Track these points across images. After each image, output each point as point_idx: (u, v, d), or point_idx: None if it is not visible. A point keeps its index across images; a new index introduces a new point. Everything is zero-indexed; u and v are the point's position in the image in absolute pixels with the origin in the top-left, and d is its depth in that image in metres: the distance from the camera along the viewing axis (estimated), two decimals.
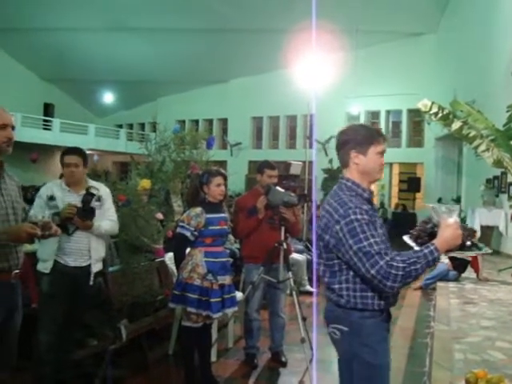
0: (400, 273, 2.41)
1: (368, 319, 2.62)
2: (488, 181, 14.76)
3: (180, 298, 4.35)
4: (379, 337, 2.67)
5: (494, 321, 6.69)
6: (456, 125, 10.65)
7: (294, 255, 8.72)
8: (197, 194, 4.45)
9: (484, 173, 14.31)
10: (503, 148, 10.37)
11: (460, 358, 5.25)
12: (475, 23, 16.50)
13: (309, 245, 10.21)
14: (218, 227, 4.43)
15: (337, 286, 2.62)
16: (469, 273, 9.57)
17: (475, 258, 9.11)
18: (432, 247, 2.49)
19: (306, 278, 9.12)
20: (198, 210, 4.34)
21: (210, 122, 28.45)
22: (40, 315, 4.13)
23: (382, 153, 2.71)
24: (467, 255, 8.39)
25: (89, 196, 4.05)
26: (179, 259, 4.43)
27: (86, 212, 4.01)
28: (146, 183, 5.28)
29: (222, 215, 4.51)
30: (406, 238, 3.14)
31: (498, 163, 10.64)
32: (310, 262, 9.44)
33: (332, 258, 2.62)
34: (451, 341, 5.81)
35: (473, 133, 10.59)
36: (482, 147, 10.52)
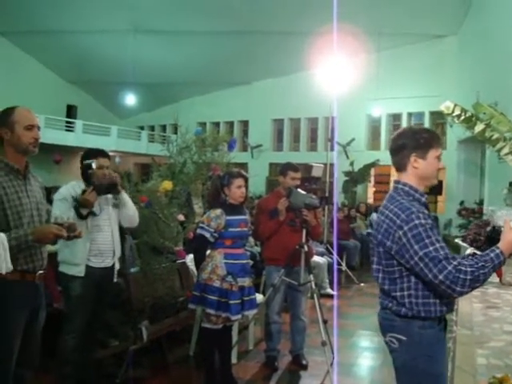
0: (468, 277, 2.36)
1: (428, 329, 2.57)
2: (511, 184, 14.57)
3: (200, 299, 4.36)
4: (439, 346, 2.63)
5: None
6: (479, 127, 10.54)
7: (315, 258, 8.70)
8: (217, 196, 4.46)
9: (507, 176, 14.11)
10: None
11: (483, 363, 5.18)
12: (497, 25, 16.32)
13: (330, 247, 10.19)
14: (238, 229, 4.43)
15: (398, 294, 2.57)
16: (492, 277, 9.42)
17: None
18: (498, 251, 2.44)
19: (327, 280, 9.09)
20: (218, 211, 4.35)
21: (231, 124, 28.46)
22: (70, 317, 4.14)
23: (439, 157, 2.66)
24: None
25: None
26: (199, 260, 4.44)
27: (104, 186, 4.03)
28: (167, 185, 5.29)
29: (243, 217, 4.51)
30: (460, 242, 3.09)
31: None
32: (330, 265, 9.43)
33: (392, 264, 2.57)
34: (474, 345, 5.74)
35: (496, 135, 10.48)
36: (506, 150, 10.40)
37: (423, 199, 2.63)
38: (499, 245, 2.47)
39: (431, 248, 2.40)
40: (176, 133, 6.92)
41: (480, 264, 2.39)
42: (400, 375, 2.69)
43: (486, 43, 17.69)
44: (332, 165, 11.90)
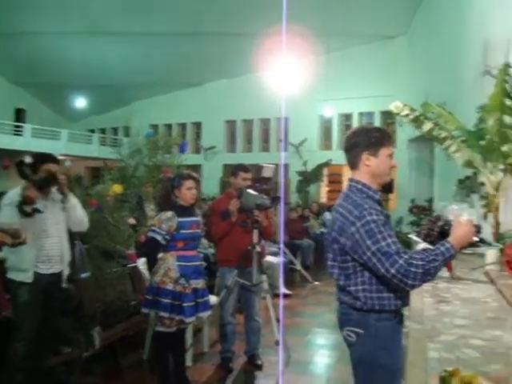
0: (420, 270, 2.41)
1: (384, 321, 2.63)
2: (460, 181, 14.89)
3: (153, 303, 4.32)
4: (395, 340, 2.72)
5: (468, 319, 6.71)
6: (427, 126, 10.70)
7: (269, 258, 8.73)
8: (168, 198, 4.43)
9: (456, 173, 14.40)
10: (473, 148, 10.48)
11: (434, 357, 5.26)
12: (445, 25, 16.67)
13: (284, 247, 10.23)
14: (190, 231, 4.41)
15: (353, 288, 2.61)
16: (442, 272, 9.63)
17: None
18: (448, 245, 2.50)
19: (282, 280, 9.12)
20: (169, 213, 4.32)
21: (184, 126, 28.31)
22: (19, 324, 4.07)
23: (391, 155, 2.71)
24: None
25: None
26: (151, 264, 4.41)
27: (41, 180, 3.95)
28: (117, 188, 5.23)
29: (194, 219, 4.50)
30: (413, 237, 3.16)
31: (468, 164, 10.75)
32: (285, 265, 9.47)
33: (346, 260, 2.61)
34: (425, 340, 5.84)
35: (444, 134, 10.68)
36: (453, 148, 10.60)
37: (376, 196, 2.68)
38: (449, 239, 2.53)
39: (383, 243, 2.45)
40: (128, 135, 6.85)
41: (431, 258, 2.45)
42: (357, 369, 2.74)
43: (434, 43, 18.05)
44: (284, 165, 11.97)
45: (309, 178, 21.57)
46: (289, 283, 9.39)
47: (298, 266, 10.71)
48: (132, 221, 5.68)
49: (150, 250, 4.45)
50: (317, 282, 10.11)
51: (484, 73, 12.24)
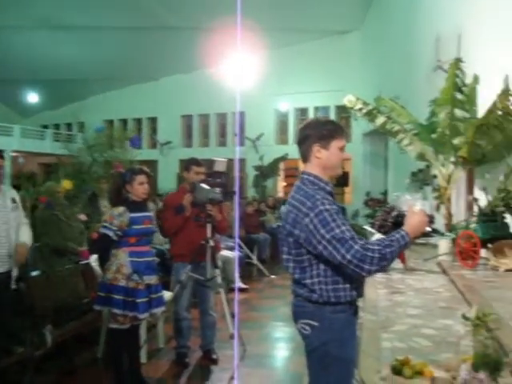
0: (376, 255, 2.42)
1: (339, 313, 2.63)
2: (413, 174, 15.16)
3: (105, 300, 4.26)
4: (349, 331, 2.69)
5: (420, 309, 6.86)
6: (380, 120, 10.89)
7: (225, 252, 8.73)
8: (119, 193, 4.37)
9: (409, 166, 14.67)
10: (425, 141, 10.68)
11: (387, 347, 5.36)
12: (398, 21, 16.90)
13: (240, 242, 10.24)
14: (143, 226, 4.36)
15: (309, 281, 2.61)
16: (396, 263, 9.79)
17: None
18: (403, 232, 2.52)
19: (238, 274, 9.13)
20: (121, 209, 4.27)
21: (139, 121, 28.06)
22: None
23: (342, 148, 2.71)
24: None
25: None
26: (103, 260, 4.34)
27: None
28: (67, 184, 5.15)
29: (147, 214, 4.45)
30: (368, 228, 3.17)
31: (420, 156, 10.96)
32: (241, 259, 9.49)
33: (301, 253, 2.61)
34: (379, 330, 5.93)
35: (396, 127, 10.86)
36: (406, 141, 10.80)
37: (328, 188, 2.68)
38: (404, 228, 2.56)
39: (337, 230, 2.46)
40: (82, 131, 6.76)
41: (386, 243, 2.47)
42: (311, 361, 2.74)
43: (387, 38, 18.28)
44: (240, 160, 11.96)
45: (265, 172, 21.64)
46: (245, 277, 9.41)
47: (255, 260, 10.74)
48: (83, 217, 5.59)
49: (102, 246, 4.38)
50: (273, 276, 10.15)
51: (436, 67, 12.48)
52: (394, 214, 2.69)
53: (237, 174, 9.22)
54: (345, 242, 2.45)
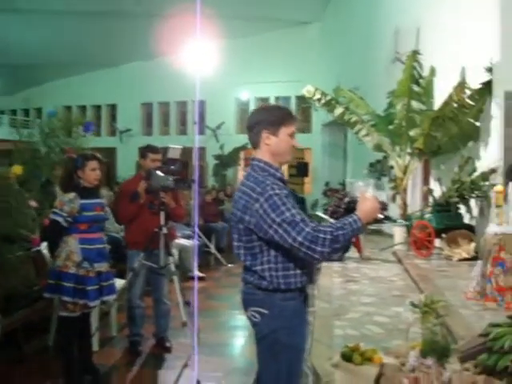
0: (328, 236, 2.42)
1: (289, 301, 2.63)
2: (371, 165, 15.33)
3: (55, 288, 4.20)
4: (299, 319, 2.71)
5: (374, 297, 6.95)
6: (338, 110, 10.95)
7: (182, 241, 8.69)
8: (71, 179, 4.29)
9: (367, 157, 14.82)
10: (383, 133, 10.79)
11: (339, 334, 5.41)
12: (358, 12, 17.01)
13: (198, 231, 10.21)
14: (94, 213, 4.30)
15: (259, 268, 2.60)
16: (352, 252, 9.91)
17: (357, 237, 9.44)
18: (355, 217, 2.53)
19: (195, 263, 9.10)
20: (72, 195, 4.19)
21: (99, 108, 27.63)
22: None
23: (292, 134, 2.70)
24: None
25: None
26: (53, 247, 4.27)
27: None
28: (17, 169, 5.03)
29: (98, 201, 4.38)
30: (320, 214, 3.16)
31: (377, 147, 11.07)
32: (198, 248, 9.47)
33: (252, 240, 2.60)
34: (332, 318, 5.98)
35: (354, 118, 10.94)
36: (363, 132, 10.89)
37: (278, 174, 2.68)
38: (356, 213, 2.57)
39: (288, 214, 2.46)
40: (40, 117, 6.62)
41: (339, 225, 2.48)
42: (260, 348, 2.74)
43: (347, 30, 18.39)
44: (199, 148, 11.91)
45: (226, 161, 21.60)
46: (203, 266, 9.38)
47: (212, 249, 10.72)
48: (33, 204, 5.47)
49: (52, 232, 4.30)
50: (230, 265, 10.15)
51: (394, 59, 12.61)
52: (347, 200, 2.70)
53: (196, 162, 9.22)
54: (295, 224, 2.45)
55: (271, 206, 2.48)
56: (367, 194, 2.67)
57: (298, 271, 2.63)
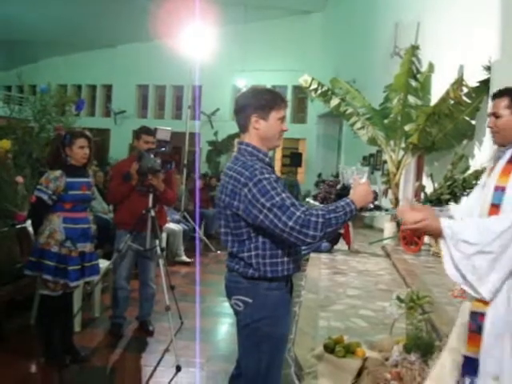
0: (320, 220, 2.37)
1: (274, 291, 2.58)
2: (364, 158, 15.35)
3: (36, 265, 4.13)
4: (284, 309, 2.65)
5: (360, 290, 6.96)
6: (334, 101, 10.94)
7: (171, 225, 8.64)
8: (58, 156, 4.21)
9: (361, 150, 14.85)
10: (378, 126, 10.79)
11: (324, 326, 5.42)
12: (359, 6, 16.95)
13: (187, 215, 10.16)
14: (80, 192, 4.22)
15: (246, 254, 2.54)
16: (341, 245, 9.92)
17: (347, 230, 9.45)
18: (348, 200, 2.48)
19: (182, 248, 9.07)
20: (58, 172, 4.12)
21: (94, 88, 27.48)
22: None
23: (282, 119, 2.63)
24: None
25: None
26: (36, 224, 4.20)
27: None
28: (5, 143, 4.94)
29: (85, 180, 4.31)
30: (310, 201, 3.09)
31: (372, 141, 11.07)
32: (186, 233, 9.42)
33: (240, 226, 2.54)
34: (317, 309, 5.98)
35: (350, 110, 10.94)
36: (358, 125, 10.89)
37: (267, 159, 2.62)
38: (349, 196, 2.52)
39: (277, 198, 2.40)
40: (34, 94, 6.54)
41: (331, 208, 2.43)
42: (242, 337, 2.70)
43: (348, 22, 18.34)
44: (193, 134, 11.85)
45: (219, 147, 21.56)
46: (191, 251, 9.33)
47: (201, 235, 10.67)
48: (20, 180, 5.39)
49: (36, 209, 4.23)
50: (219, 251, 10.10)
51: (393, 53, 12.57)
52: (339, 186, 2.65)
53: (197, 148, 9.17)
54: (286, 209, 2.39)
55: (260, 191, 2.42)
56: (362, 180, 2.62)
57: (286, 259, 2.58)
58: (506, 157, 2.66)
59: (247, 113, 2.60)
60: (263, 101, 2.59)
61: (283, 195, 2.42)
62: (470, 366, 2.52)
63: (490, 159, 7.83)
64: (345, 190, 2.81)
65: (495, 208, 2.56)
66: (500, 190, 2.57)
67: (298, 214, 2.38)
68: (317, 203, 3.15)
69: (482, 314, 2.48)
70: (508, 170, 2.60)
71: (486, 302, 2.46)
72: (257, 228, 2.51)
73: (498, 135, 2.70)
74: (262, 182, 2.43)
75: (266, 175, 2.46)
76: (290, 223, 2.37)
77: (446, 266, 2.53)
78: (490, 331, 2.45)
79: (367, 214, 2.79)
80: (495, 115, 2.68)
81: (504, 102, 2.65)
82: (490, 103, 2.81)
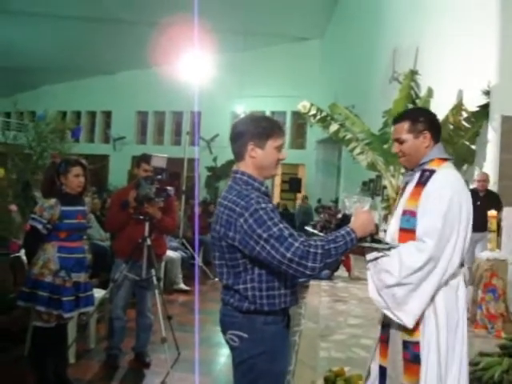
0: (319, 251, 2.29)
1: (271, 325, 2.48)
2: (364, 183, 15.30)
3: (29, 296, 4.04)
4: (281, 344, 2.55)
5: (361, 318, 6.84)
6: (333, 127, 10.91)
7: (169, 252, 8.54)
8: (52, 184, 4.15)
9: (360, 176, 14.81)
10: (377, 152, 10.74)
11: (324, 356, 5.29)
12: (358, 32, 17.06)
13: (185, 242, 10.07)
14: (75, 221, 4.15)
15: (241, 287, 2.45)
16: (342, 272, 9.80)
17: (348, 257, 9.34)
18: (348, 229, 2.40)
19: (181, 276, 8.96)
20: (52, 201, 4.05)
21: (93, 114, 27.57)
22: None
23: (279, 147, 2.55)
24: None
25: None
26: (30, 254, 4.12)
27: None
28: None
29: (81, 208, 4.24)
30: (309, 229, 3.04)
31: (371, 166, 11.01)
32: (184, 260, 9.32)
33: (236, 257, 2.44)
34: (317, 338, 5.86)
35: (349, 136, 10.90)
36: (358, 150, 10.85)
37: (263, 188, 2.53)
38: (350, 225, 2.45)
39: (275, 229, 2.32)
40: (34, 121, 6.53)
41: (331, 238, 2.35)
42: (238, 373, 2.59)
43: (346, 48, 18.45)
44: (192, 160, 11.83)
45: (218, 173, 21.56)
46: (189, 279, 9.22)
47: (200, 262, 10.57)
48: (14, 208, 5.33)
49: (30, 239, 4.16)
50: (217, 279, 9.98)
51: (391, 79, 12.59)
52: (339, 216, 2.58)
53: (196, 174, 9.13)
54: (284, 240, 2.30)
55: (257, 221, 2.33)
56: (364, 209, 2.56)
57: (283, 291, 2.49)
58: (415, 180, 2.68)
59: (244, 140, 2.52)
60: (260, 128, 2.52)
61: (281, 225, 2.34)
62: None
63: (494, 184, 7.79)
64: (345, 219, 2.73)
65: (404, 233, 2.61)
66: (408, 214, 2.60)
67: (296, 244, 2.29)
68: (315, 231, 3.09)
69: (416, 343, 2.55)
70: (416, 193, 2.62)
71: (414, 331, 2.54)
72: (253, 259, 2.42)
73: (405, 159, 2.73)
74: (259, 212, 2.35)
75: (263, 205, 2.37)
76: (289, 255, 2.29)
77: (370, 290, 2.65)
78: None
79: (366, 245, 2.73)
80: (398, 141, 2.71)
81: (405, 125, 2.68)
82: (392, 128, 2.80)
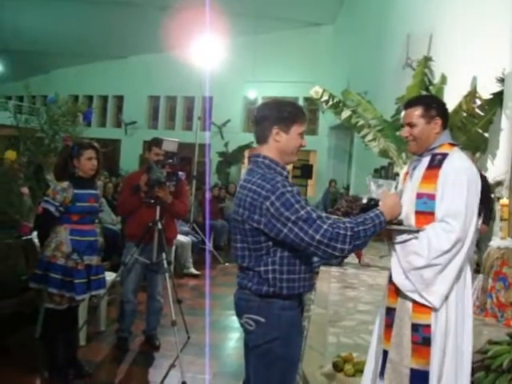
0: (349, 233, 2.30)
1: (287, 311, 2.49)
2: (376, 170, 15.23)
3: (42, 278, 4.07)
4: (296, 330, 2.57)
5: (371, 305, 6.84)
6: (346, 113, 10.87)
7: (179, 237, 8.57)
8: (65, 167, 4.16)
9: (372, 163, 14.75)
10: (389, 138, 10.69)
11: (333, 342, 5.31)
12: (371, 18, 16.91)
13: (196, 227, 10.10)
14: (87, 204, 4.16)
15: (262, 269, 2.45)
16: (351, 258, 9.80)
17: None
18: (377, 211, 2.42)
19: (191, 260, 8.99)
20: (65, 184, 4.07)
21: (105, 98, 27.58)
22: None
23: (302, 134, 2.55)
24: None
25: None
26: (43, 236, 4.14)
27: None
28: (11, 154, 4.90)
29: (93, 192, 4.25)
30: (330, 216, 3.06)
31: (383, 153, 10.97)
32: (195, 245, 9.35)
33: (259, 241, 2.44)
34: (327, 324, 5.87)
35: (361, 122, 10.85)
36: (370, 137, 10.80)
37: (285, 173, 2.53)
38: (379, 207, 2.48)
39: (302, 211, 2.32)
40: (46, 104, 6.54)
41: (359, 220, 2.36)
42: (252, 357, 2.60)
43: (359, 34, 18.29)
44: (203, 145, 11.83)
45: (230, 159, 21.54)
46: (199, 263, 9.26)
47: (210, 247, 10.60)
48: (25, 190, 5.35)
49: (42, 221, 4.18)
50: (227, 264, 10.03)
51: (405, 65, 12.49)
52: (365, 200, 2.56)
53: (207, 159, 9.15)
54: (313, 222, 2.31)
55: (284, 204, 2.33)
56: (390, 192, 2.61)
57: (302, 275, 2.50)
58: (425, 164, 2.72)
59: (268, 124, 2.52)
60: (286, 113, 2.52)
61: (308, 208, 2.35)
62: (419, 380, 2.62)
63: (506, 173, 7.72)
64: (372, 201, 2.76)
65: (420, 215, 2.66)
66: (425, 196, 2.64)
67: (325, 227, 2.31)
68: (337, 216, 3.03)
69: (427, 326, 2.61)
70: (430, 176, 2.66)
71: (425, 313, 2.61)
72: (277, 242, 2.42)
73: (414, 144, 2.78)
74: (286, 195, 2.35)
75: (289, 188, 2.37)
76: (318, 236, 2.30)
77: (395, 274, 2.68)
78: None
79: (396, 227, 2.73)
80: (410, 125, 2.75)
81: (418, 111, 2.74)
82: (403, 113, 2.83)
